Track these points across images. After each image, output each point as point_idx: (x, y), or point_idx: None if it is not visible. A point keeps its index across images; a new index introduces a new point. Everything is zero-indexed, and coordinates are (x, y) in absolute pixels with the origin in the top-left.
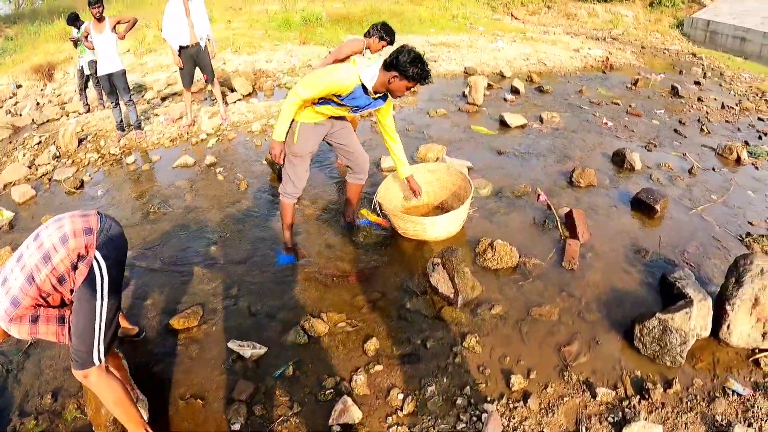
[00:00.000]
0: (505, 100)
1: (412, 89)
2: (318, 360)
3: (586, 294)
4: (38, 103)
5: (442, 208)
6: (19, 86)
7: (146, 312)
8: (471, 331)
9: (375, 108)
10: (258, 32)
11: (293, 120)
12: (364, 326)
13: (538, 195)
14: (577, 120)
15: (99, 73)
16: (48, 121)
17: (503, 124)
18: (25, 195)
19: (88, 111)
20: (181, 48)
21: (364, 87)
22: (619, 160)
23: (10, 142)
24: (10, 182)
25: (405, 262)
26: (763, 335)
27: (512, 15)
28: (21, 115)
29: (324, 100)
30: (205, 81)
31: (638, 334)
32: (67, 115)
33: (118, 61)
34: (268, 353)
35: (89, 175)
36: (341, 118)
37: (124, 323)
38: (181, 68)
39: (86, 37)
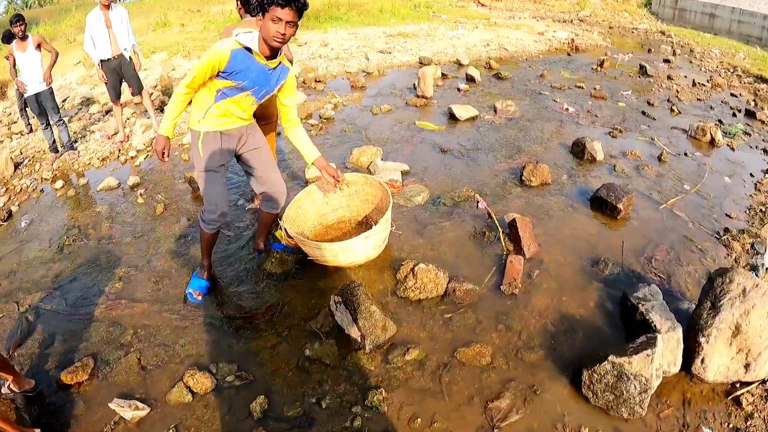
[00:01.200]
0: (458, 90)
1: (289, 23)
2: (200, 424)
3: (528, 326)
4: None
5: (366, 224)
6: None
7: (43, 363)
8: (378, 383)
9: (279, 85)
10: (212, 34)
11: (197, 131)
12: (256, 379)
13: (477, 201)
14: (536, 107)
15: (26, 94)
16: None
17: (452, 118)
18: None
19: (31, 131)
20: (103, 61)
21: (248, 49)
22: (578, 150)
23: None
24: None
25: (314, 296)
26: (746, 366)
27: (478, 1)
28: None
29: (222, 93)
30: (132, 94)
31: (587, 381)
32: (11, 137)
33: (43, 80)
34: (151, 414)
35: (18, 204)
36: (253, 129)
37: (14, 377)
38: (105, 82)
39: (8, 58)
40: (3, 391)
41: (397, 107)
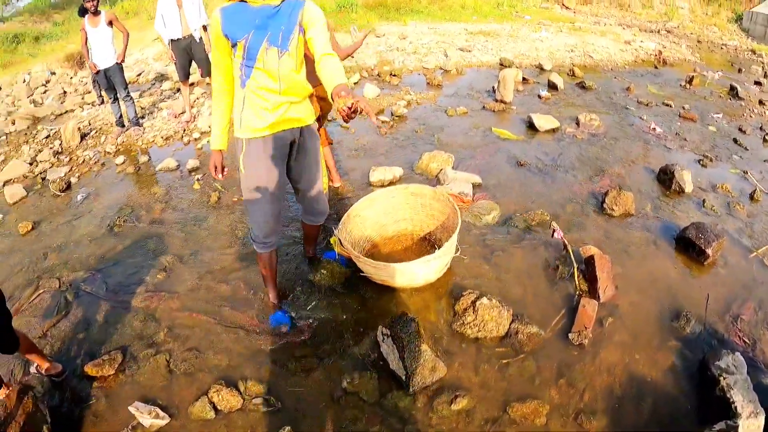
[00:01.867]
0: (539, 97)
1: None
2: None
3: (593, 384)
4: (64, 92)
5: (429, 241)
6: (53, 73)
7: (73, 348)
8: (418, 430)
9: (296, 20)
10: None
11: (239, 139)
12: (285, 407)
13: (554, 230)
14: (620, 124)
15: (97, 66)
16: (66, 112)
17: (531, 127)
18: (16, 196)
19: (102, 103)
20: (172, 41)
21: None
22: (666, 178)
23: (25, 134)
24: (9, 180)
25: (362, 317)
26: None
27: (563, 4)
28: (43, 104)
29: (245, 66)
30: (200, 75)
31: None
32: (82, 107)
33: (112, 56)
34: (170, 425)
35: (78, 176)
36: (309, 133)
37: (41, 361)
38: (174, 62)
39: (82, 30)
40: (31, 370)
41: (474, 110)
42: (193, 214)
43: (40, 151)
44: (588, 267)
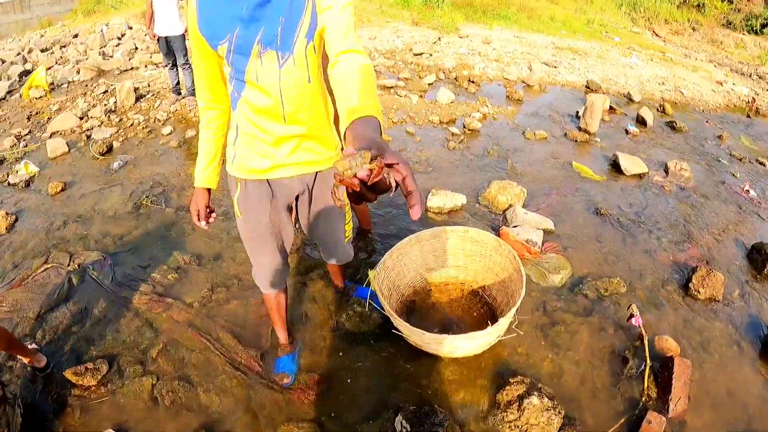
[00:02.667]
0: (626, 132)
1: None
2: None
3: None
4: (136, 48)
5: (481, 297)
6: (129, 28)
7: (64, 343)
8: None
9: (302, 8)
10: (372, 6)
11: (233, 178)
12: None
13: (632, 314)
14: (711, 180)
15: (157, 34)
16: (131, 69)
17: (615, 168)
18: (57, 150)
19: (167, 66)
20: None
21: None
22: (759, 259)
23: (86, 86)
24: (58, 131)
25: (383, 386)
26: None
27: (653, 31)
28: (112, 57)
29: (234, 78)
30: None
31: None
32: (146, 66)
33: (177, 24)
34: None
35: (121, 141)
36: (323, 182)
37: (23, 354)
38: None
39: None
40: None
41: (554, 137)
42: (226, 207)
43: (93, 106)
44: (663, 370)
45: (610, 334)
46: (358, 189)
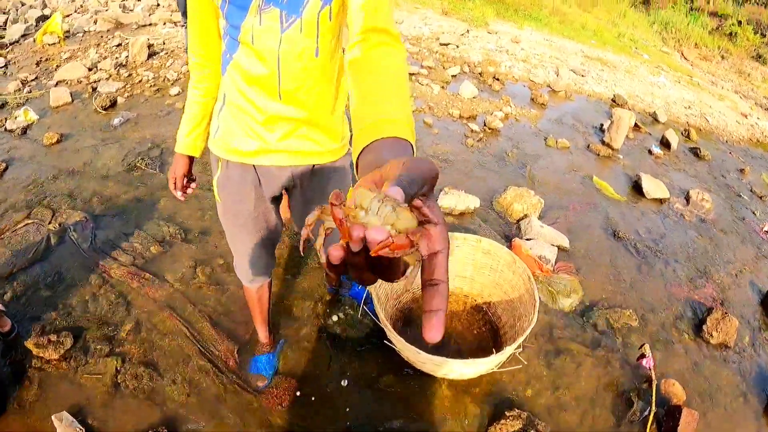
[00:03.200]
0: (650, 152)
1: None
2: None
3: None
4: (158, 4)
5: (484, 314)
6: None
7: (33, 309)
8: None
9: None
10: None
11: (215, 157)
12: None
13: (643, 354)
14: (731, 214)
15: None
16: (149, 25)
17: (637, 189)
18: (60, 100)
19: (184, 25)
20: None
21: None
22: None
23: (100, 37)
24: (64, 80)
25: (364, 404)
26: None
27: (682, 53)
28: (132, 11)
29: (227, 36)
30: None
31: None
32: (165, 23)
33: None
34: None
35: (126, 97)
36: (322, 176)
37: None
38: None
39: None
40: None
41: (577, 147)
42: None
43: (104, 58)
44: (668, 418)
45: (616, 370)
46: (343, 254)
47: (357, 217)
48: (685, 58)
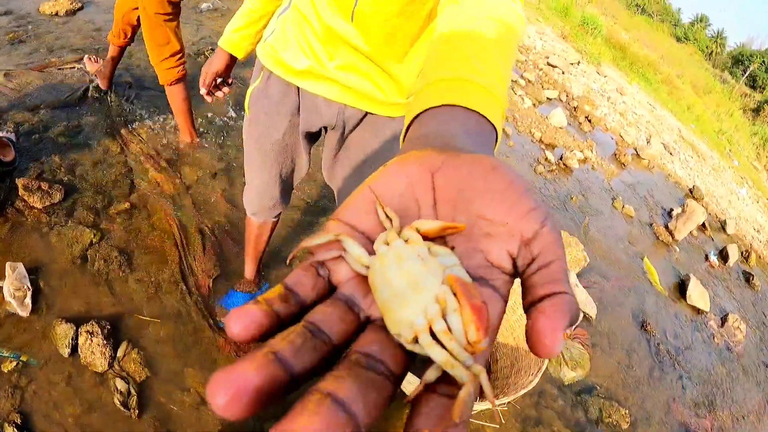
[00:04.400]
0: (706, 258)
1: None
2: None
3: None
4: None
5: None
6: None
7: (42, 151)
8: None
9: None
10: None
11: (260, 65)
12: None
13: None
14: (758, 354)
15: None
16: None
17: (681, 289)
18: None
19: None
20: None
21: None
22: None
23: None
24: None
25: None
26: None
27: None
28: None
29: None
30: None
31: None
32: None
33: None
34: (20, 322)
35: None
36: (372, 125)
37: None
38: None
39: None
40: None
41: (640, 220)
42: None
43: None
44: None
45: None
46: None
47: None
48: None
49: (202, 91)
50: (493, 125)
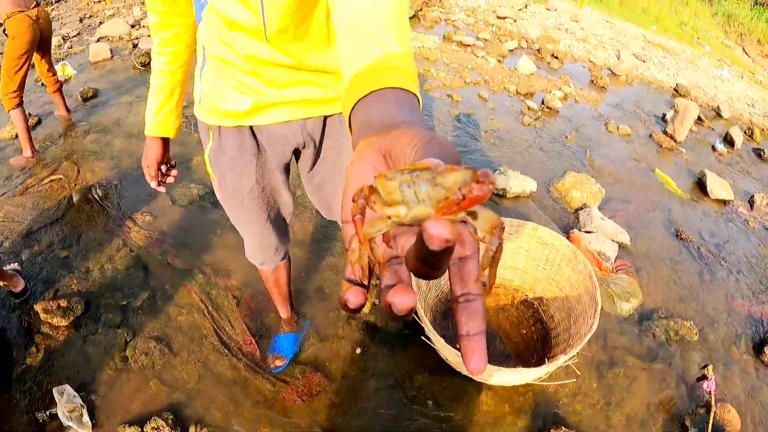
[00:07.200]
0: (713, 148)
1: None
2: None
3: None
4: None
5: (534, 311)
6: None
7: (49, 270)
8: None
9: None
10: None
11: (203, 124)
12: None
13: (704, 375)
14: None
15: None
16: None
17: (700, 187)
18: (100, 55)
19: None
20: None
21: None
22: None
23: None
24: (106, 36)
25: (402, 397)
26: None
27: (744, 48)
28: None
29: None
30: None
31: None
32: None
33: None
34: None
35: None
36: (335, 128)
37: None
38: None
39: None
40: None
41: (638, 135)
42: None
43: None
44: None
45: (671, 389)
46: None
47: (399, 216)
48: (747, 54)
49: (153, 184)
50: (414, 93)
